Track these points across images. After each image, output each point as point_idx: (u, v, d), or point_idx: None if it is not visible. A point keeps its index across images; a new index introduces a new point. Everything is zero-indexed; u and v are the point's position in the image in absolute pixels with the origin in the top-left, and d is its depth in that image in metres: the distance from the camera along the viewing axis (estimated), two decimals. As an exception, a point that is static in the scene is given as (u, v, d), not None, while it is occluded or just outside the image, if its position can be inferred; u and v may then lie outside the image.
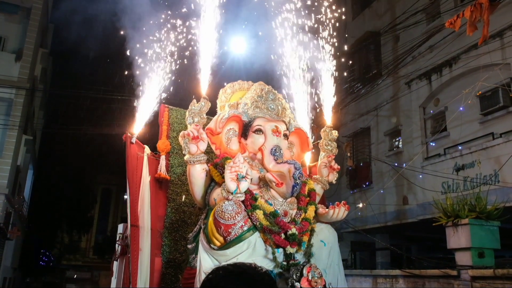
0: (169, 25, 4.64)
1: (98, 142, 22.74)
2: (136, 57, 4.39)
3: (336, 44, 4.69)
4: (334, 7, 5.03)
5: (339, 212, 3.57)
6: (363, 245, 13.63)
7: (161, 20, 4.74)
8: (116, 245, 4.45)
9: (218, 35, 3.83)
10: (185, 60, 4.43)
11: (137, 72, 4.27)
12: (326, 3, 5.10)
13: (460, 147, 9.44)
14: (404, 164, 10.76)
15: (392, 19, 12.23)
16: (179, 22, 4.69)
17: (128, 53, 4.51)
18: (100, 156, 26.83)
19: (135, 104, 4.15)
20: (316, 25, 4.78)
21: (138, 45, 4.44)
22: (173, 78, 4.31)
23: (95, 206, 36.05)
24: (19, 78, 16.38)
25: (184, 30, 4.62)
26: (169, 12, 4.70)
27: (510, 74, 8.57)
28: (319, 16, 4.92)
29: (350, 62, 13.17)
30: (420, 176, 10.22)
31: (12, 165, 16.15)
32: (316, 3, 5.16)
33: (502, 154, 8.30)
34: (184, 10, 4.50)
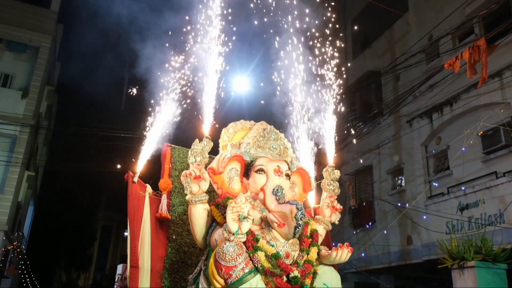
0: (173, 62, 4.71)
1: (99, 179, 22.74)
2: (140, 96, 4.45)
3: (337, 83, 4.76)
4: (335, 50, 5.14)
5: (342, 254, 3.49)
6: (367, 286, 13.30)
7: (165, 60, 4.83)
8: (115, 286, 4.36)
9: (220, 75, 3.90)
10: (188, 98, 4.48)
11: (141, 111, 4.32)
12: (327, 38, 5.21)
13: (463, 187, 9.36)
14: (408, 204, 10.65)
15: (392, 59, 12.47)
16: (182, 60, 4.77)
17: (132, 93, 4.58)
18: (101, 193, 26.72)
19: (141, 142, 4.17)
20: (317, 61, 4.87)
21: (142, 85, 4.51)
22: (177, 119, 4.35)
23: (94, 243, 35.53)
24: (24, 115, 16.58)
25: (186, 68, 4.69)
26: (172, 53, 4.79)
27: (511, 113, 8.63)
28: (320, 54, 5.02)
29: (352, 101, 13.32)
30: (424, 217, 10.09)
31: (13, 201, 16.07)
32: (317, 43, 5.28)
33: (506, 194, 8.23)
34: (187, 44, 4.57)
